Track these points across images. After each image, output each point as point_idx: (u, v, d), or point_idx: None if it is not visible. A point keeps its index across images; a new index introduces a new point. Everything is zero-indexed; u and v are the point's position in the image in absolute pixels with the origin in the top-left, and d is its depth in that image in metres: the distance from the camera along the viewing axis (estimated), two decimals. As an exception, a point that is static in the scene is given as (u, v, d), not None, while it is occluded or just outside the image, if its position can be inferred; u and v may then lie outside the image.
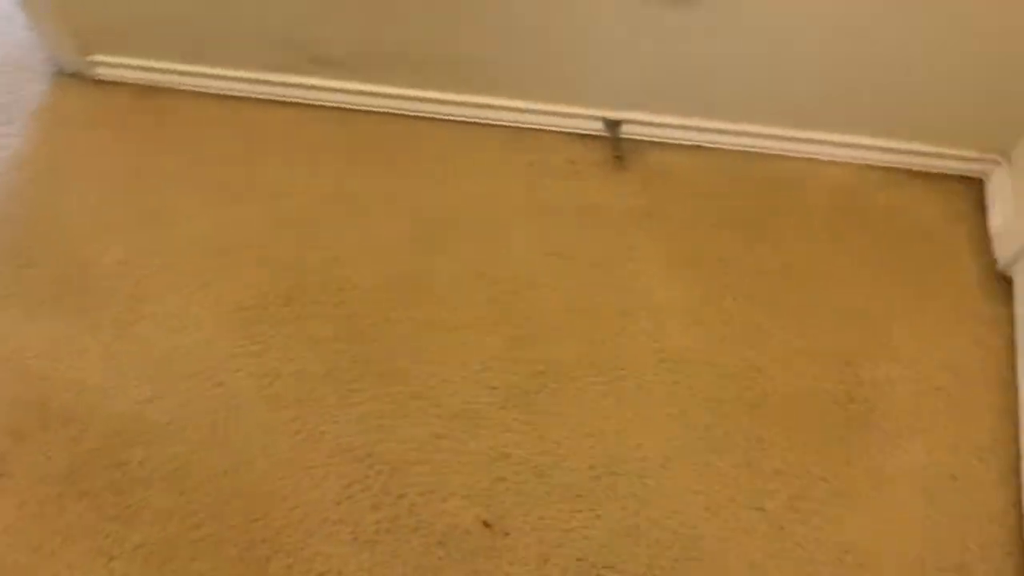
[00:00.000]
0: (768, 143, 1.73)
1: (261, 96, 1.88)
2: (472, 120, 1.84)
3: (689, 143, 1.77)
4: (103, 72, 1.90)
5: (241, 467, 1.42)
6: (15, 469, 1.41)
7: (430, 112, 1.84)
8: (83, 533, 1.35)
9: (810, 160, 1.73)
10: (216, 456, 1.43)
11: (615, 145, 1.77)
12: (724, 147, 1.75)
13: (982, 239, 1.61)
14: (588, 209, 1.71)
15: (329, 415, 1.47)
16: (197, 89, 1.89)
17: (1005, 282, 1.55)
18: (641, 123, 1.75)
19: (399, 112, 1.85)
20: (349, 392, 1.49)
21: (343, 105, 1.87)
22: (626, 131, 1.77)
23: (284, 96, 1.87)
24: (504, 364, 1.52)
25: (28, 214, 1.73)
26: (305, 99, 1.87)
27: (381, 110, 1.86)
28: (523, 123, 1.81)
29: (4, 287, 1.61)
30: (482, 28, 1.64)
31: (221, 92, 1.89)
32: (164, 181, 1.78)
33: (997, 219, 1.60)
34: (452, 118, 1.84)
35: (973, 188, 1.69)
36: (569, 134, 1.82)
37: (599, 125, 1.78)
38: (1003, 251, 1.55)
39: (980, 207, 1.66)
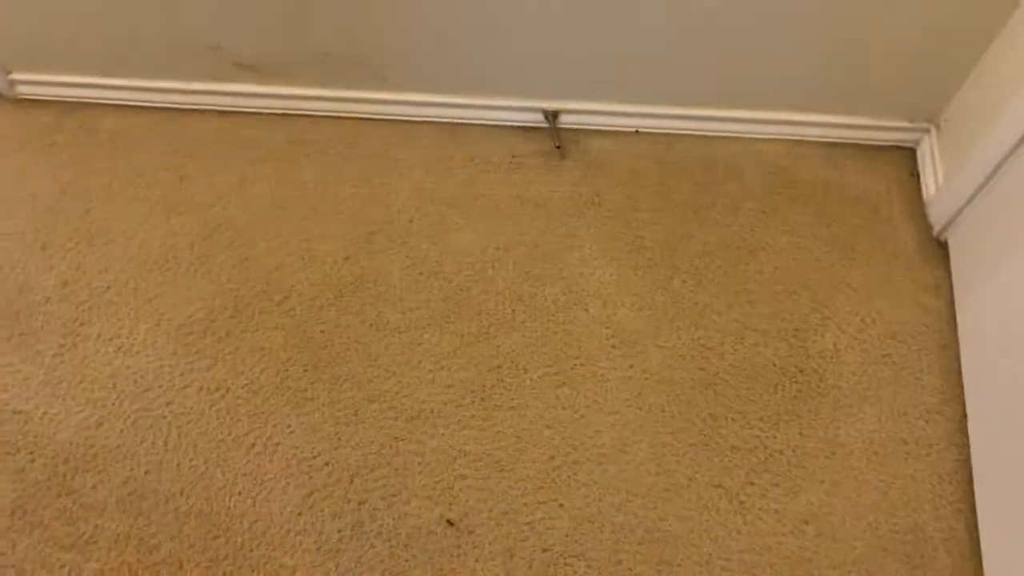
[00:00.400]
0: (704, 124, 1.74)
1: (188, 106, 1.84)
2: (409, 118, 1.82)
3: (627, 129, 1.78)
4: (24, 91, 1.84)
5: (197, 485, 1.39)
6: (-40, 506, 1.37)
7: (365, 112, 1.82)
8: (37, 566, 1.32)
9: (746, 139, 1.75)
10: (170, 476, 1.40)
11: (554, 135, 1.77)
12: (662, 131, 1.77)
13: (917, 207, 1.65)
14: (532, 200, 1.71)
15: (284, 425, 1.45)
16: (122, 103, 1.85)
17: (941, 247, 1.59)
18: (578, 112, 1.76)
19: (332, 114, 1.83)
20: (302, 401, 1.47)
21: (273, 110, 1.84)
22: (564, 121, 1.77)
23: (212, 104, 1.83)
24: (458, 361, 1.51)
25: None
26: (234, 106, 1.84)
27: (313, 113, 1.83)
28: (461, 119, 1.81)
29: (-64, 319, 1.56)
30: (410, 23, 1.63)
31: (146, 104, 1.85)
32: (96, 199, 1.73)
33: (930, 186, 1.64)
34: (388, 117, 1.83)
35: (907, 157, 1.73)
36: (508, 127, 1.81)
37: (537, 117, 1.78)
38: (937, 217, 1.59)
39: (914, 175, 1.70)
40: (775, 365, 1.47)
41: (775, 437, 1.40)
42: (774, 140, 1.74)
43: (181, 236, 1.68)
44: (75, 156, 1.80)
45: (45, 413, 1.46)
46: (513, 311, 1.56)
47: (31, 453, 1.43)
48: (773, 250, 1.61)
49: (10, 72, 1.81)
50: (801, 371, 1.47)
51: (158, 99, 1.83)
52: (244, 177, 1.76)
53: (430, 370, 1.50)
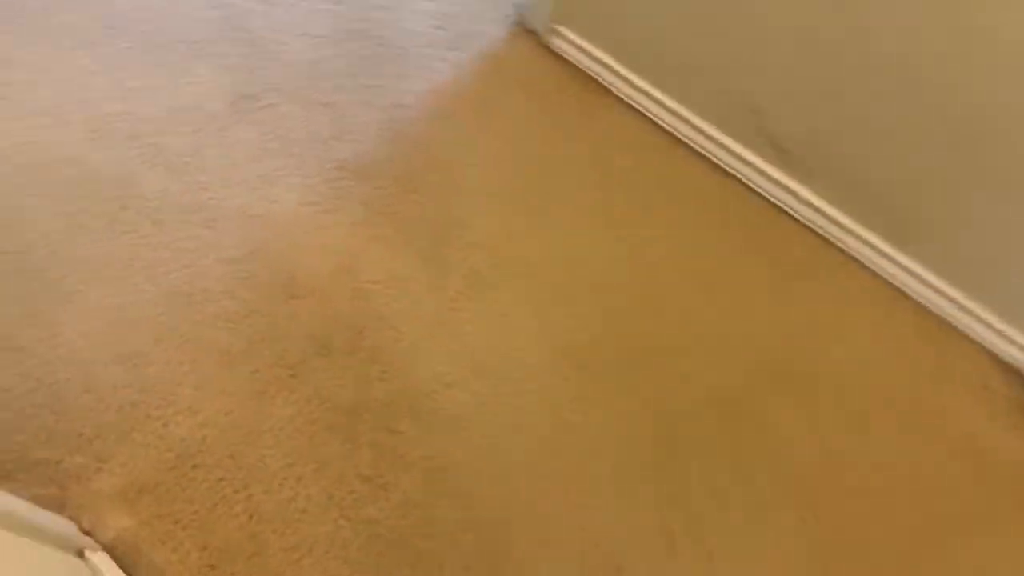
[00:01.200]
0: None
1: (690, 143, 1.75)
2: (893, 281, 1.62)
3: None
4: (558, 44, 1.84)
5: (494, 495, 1.32)
6: (305, 380, 1.38)
7: (852, 249, 1.64)
8: (329, 477, 1.30)
9: None
10: (480, 477, 1.34)
11: (1040, 394, 1.49)
12: None
13: None
14: (976, 440, 1.45)
15: (602, 499, 1.34)
16: (631, 102, 1.79)
17: None
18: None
19: (819, 230, 1.67)
20: (630, 484, 1.36)
21: (767, 194, 1.70)
22: (1062, 386, 1.48)
23: (714, 156, 1.73)
24: (795, 561, 1.32)
25: (431, 143, 1.70)
26: (733, 169, 1.72)
27: (802, 219, 1.68)
28: (949, 316, 1.57)
29: (387, 204, 1.59)
30: (966, 203, 1.42)
31: (654, 119, 1.77)
32: (559, 179, 1.69)
33: None
34: (873, 267, 1.64)
35: None
36: (995, 356, 1.55)
37: (1031, 362, 1.50)
38: None
39: None
40: None
41: None
42: None
43: (606, 261, 1.60)
44: (565, 128, 1.77)
45: (412, 344, 1.45)
46: (894, 552, 1.34)
47: (385, 372, 1.41)
48: None
49: (557, 22, 1.80)
50: None
51: (668, 121, 1.75)
52: (700, 240, 1.65)
53: (763, 548, 1.32)
